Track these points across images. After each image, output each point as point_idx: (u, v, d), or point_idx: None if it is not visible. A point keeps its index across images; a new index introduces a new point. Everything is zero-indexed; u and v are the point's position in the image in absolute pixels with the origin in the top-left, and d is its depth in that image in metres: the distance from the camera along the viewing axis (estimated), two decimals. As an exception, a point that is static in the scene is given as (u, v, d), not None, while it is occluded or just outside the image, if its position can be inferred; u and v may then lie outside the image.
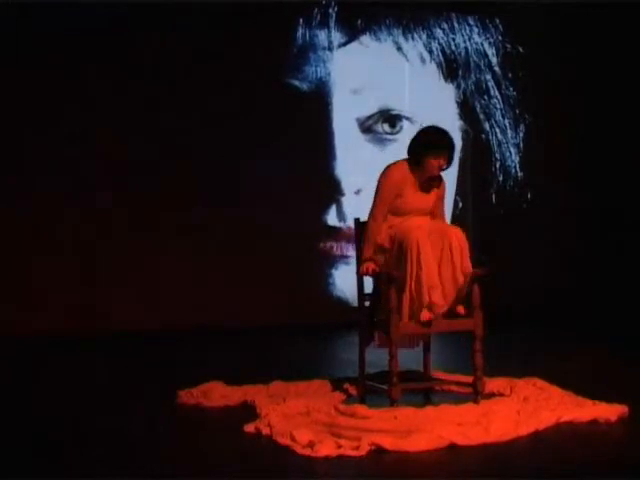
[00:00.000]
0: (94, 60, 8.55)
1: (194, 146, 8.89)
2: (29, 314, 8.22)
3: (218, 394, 5.30)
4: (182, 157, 8.83)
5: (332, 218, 9.29)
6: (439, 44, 9.71)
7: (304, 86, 9.27)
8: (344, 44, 9.40)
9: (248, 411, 4.91)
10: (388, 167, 5.22)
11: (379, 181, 5.20)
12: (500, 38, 10.03)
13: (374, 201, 5.19)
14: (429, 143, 5.11)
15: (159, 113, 8.77)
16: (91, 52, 8.53)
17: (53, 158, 8.43)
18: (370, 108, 9.41)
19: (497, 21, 9.98)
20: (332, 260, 9.32)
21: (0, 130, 8.31)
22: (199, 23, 8.84)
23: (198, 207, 8.86)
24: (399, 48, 9.58)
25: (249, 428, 4.51)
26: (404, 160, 5.21)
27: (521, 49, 10.04)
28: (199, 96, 8.91)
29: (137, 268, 8.63)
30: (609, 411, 4.68)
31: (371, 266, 5.11)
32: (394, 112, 9.43)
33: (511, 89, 10.02)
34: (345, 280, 9.12)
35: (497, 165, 10.08)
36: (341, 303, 9.17)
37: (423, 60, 9.66)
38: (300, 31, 9.28)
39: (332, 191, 9.27)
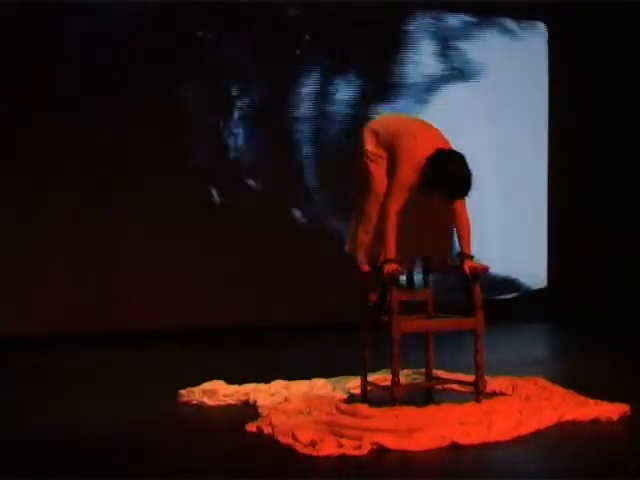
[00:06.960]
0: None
1: (198, 143, 8.93)
2: (28, 314, 8.22)
3: (220, 393, 5.30)
4: (185, 157, 8.84)
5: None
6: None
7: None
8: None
9: (250, 410, 4.91)
10: (415, 147, 4.75)
11: (404, 163, 4.73)
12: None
13: (396, 188, 4.78)
14: (447, 189, 4.71)
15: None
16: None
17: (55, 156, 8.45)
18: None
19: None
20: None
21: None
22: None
23: (198, 206, 8.86)
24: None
25: (251, 427, 4.51)
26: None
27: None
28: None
29: (137, 268, 8.61)
30: (611, 410, 4.68)
31: (399, 269, 4.83)
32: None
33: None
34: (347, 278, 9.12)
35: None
36: (343, 302, 9.15)
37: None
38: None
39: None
